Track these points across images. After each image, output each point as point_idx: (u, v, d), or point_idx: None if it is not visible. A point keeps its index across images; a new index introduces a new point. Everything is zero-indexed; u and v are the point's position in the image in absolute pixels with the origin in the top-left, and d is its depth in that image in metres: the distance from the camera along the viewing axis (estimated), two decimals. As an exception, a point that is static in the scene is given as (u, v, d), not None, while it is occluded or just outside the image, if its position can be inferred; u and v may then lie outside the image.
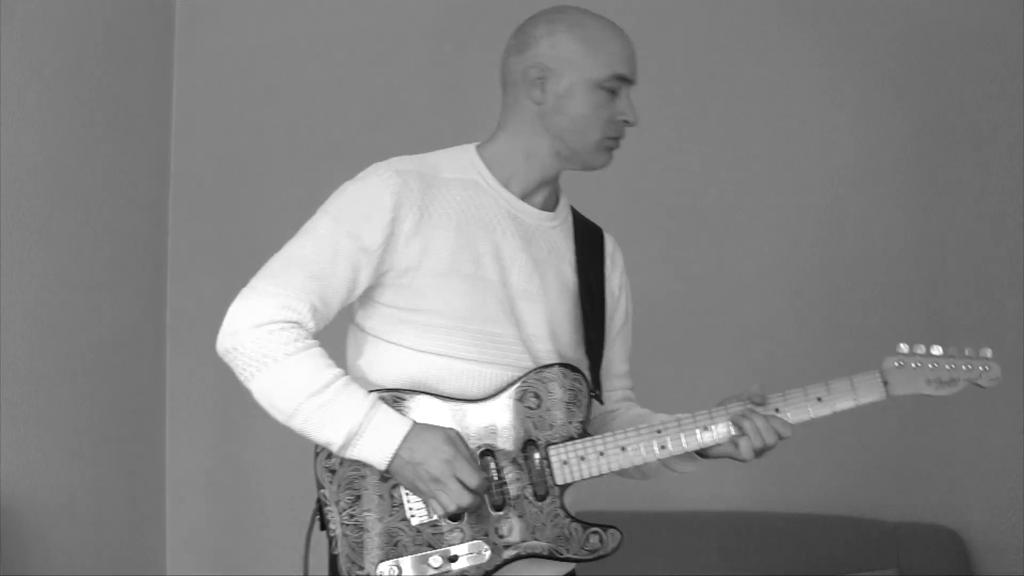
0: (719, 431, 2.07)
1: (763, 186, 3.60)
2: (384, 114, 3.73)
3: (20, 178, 3.24)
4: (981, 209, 3.46)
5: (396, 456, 1.93)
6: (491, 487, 1.99)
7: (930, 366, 2.13)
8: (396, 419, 1.95)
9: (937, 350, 2.14)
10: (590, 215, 3.66)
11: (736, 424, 2.05)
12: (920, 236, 3.50)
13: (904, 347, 2.14)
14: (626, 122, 2.09)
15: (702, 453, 2.11)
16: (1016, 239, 3.42)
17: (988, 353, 2.17)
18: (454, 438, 1.95)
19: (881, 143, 3.54)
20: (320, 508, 2.02)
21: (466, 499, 1.92)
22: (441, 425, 1.97)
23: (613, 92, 2.07)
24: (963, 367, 2.15)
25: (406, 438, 1.93)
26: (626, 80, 2.08)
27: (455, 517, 1.98)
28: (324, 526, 2.01)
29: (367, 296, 2.05)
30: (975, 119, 3.47)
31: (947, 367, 2.14)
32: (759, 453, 2.06)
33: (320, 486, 2.01)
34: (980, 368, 2.15)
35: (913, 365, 2.13)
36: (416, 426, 1.95)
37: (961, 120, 3.49)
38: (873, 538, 3.33)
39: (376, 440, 1.93)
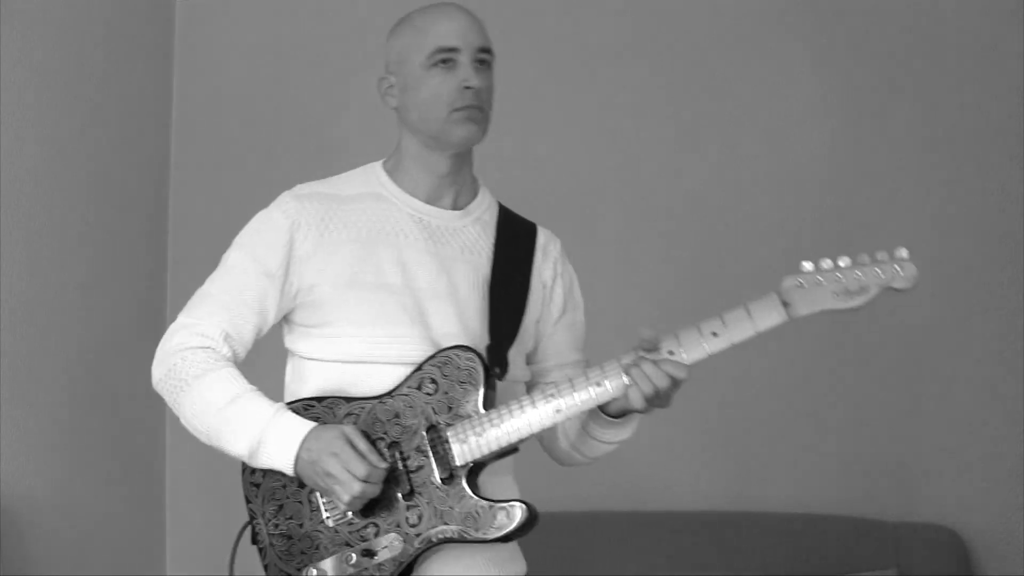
0: (613, 385, 2.00)
1: (762, 186, 3.60)
2: (384, 114, 3.72)
3: (20, 178, 3.24)
4: (981, 209, 3.46)
5: (298, 458, 1.99)
6: (398, 475, 2.00)
7: (836, 277, 1.94)
8: (296, 424, 2.01)
9: (845, 261, 1.94)
10: (588, 216, 3.69)
11: (627, 373, 1.99)
12: (919, 235, 3.50)
13: (808, 265, 1.96)
14: (468, 87, 2.07)
15: (612, 414, 2.06)
16: (1016, 239, 3.42)
17: (903, 253, 1.94)
18: (349, 433, 1.98)
19: (881, 143, 3.54)
20: (251, 522, 2.09)
21: (356, 487, 1.94)
22: (340, 425, 2.02)
23: (447, 65, 2.08)
24: (875, 271, 1.93)
25: (304, 439, 1.99)
26: (452, 50, 2.08)
27: (367, 511, 2.00)
28: (255, 540, 2.09)
29: (288, 319, 2.15)
30: (975, 119, 3.47)
31: (856, 274, 1.93)
32: (653, 401, 1.98)
33: (248, 501, 2.09)
34: (894, 268, 1.93)
35: (817, 280, 1.95)
36: (315, 428, 2.00)
37: (961, 120, 3.48)
38: (873, 538, 3.33)
39: (279, 446, 2.00)
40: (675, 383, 1.98)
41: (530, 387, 2.23)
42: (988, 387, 3.43)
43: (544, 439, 2.22)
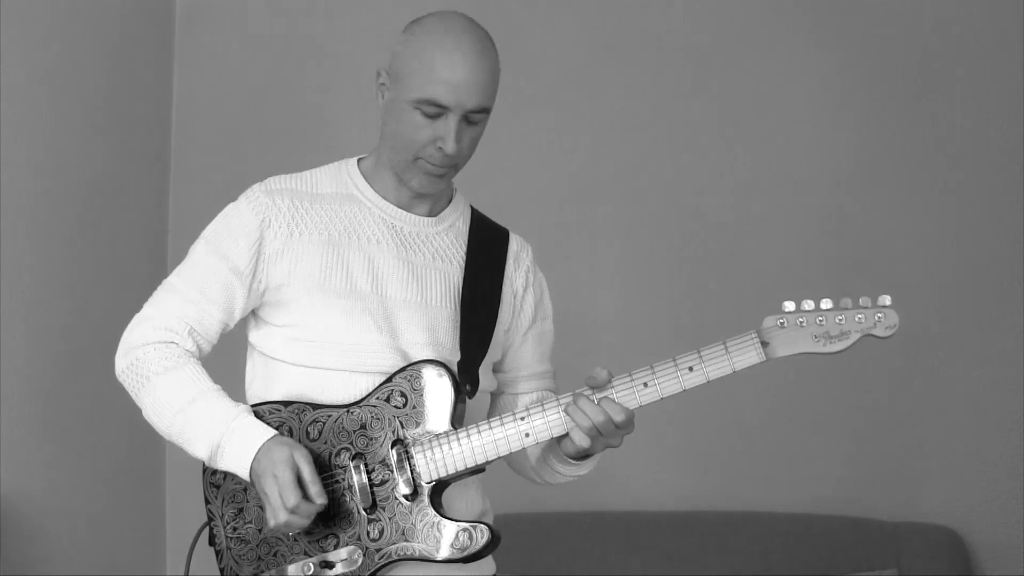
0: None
1: (762, 187, 3.60)
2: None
3: (20, 178, 3.25)
4: (981, 209, 3.46)
5: (251, 468, 1.96)
6: (362, 487, 1.97)
7: (817, 321, 1.94)
8: (255, 431, 1.97)
9: (827, 303, 1.95)
10: (588, 216, 3.68)
11: (565, 411, 1.98)
12: (920, 236, 3.50)
13: (790, 304, 1.96)
14: (440, 149, 1.99)
15: (568, 453, 2.03)
16: (1016, 239, 3.42)
17: (886, 300, 1.95)
18: (298, 459, 1.94)
19: (881, 143, 3.54)
20: (209, 524, 2.06)
21: (281, 517, 1.91)
22: (295, 445, 1.97)
23: (433, 116, 1.98)
24: (856, 317, 1.94)
25: (259, 451, 1.95)
26: (441, 107, 1.97)
27: (328, 522, 1.98)
28: (212, 541, 2.06)
29: (254, 313, 2.10)
30: (975, 120, 3.47)
31: (837, 320, 1.94)
32: (597, 439, 1.96)
33: (207, 501, 2.06)
34: (876, 316, 1.94)
35: (798, 322, 1.95)
36: (270, 440, 1.96)
37: (961, 120, 3.48)
38: (873, 538, 3.33)
39: (237, 451, 1.97)
40: (614, 424, 1.96)
41: (495, 397, 2.19)
42: (988, 387, 3.43)
43: (511, 455, 2.17)
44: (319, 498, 1.94)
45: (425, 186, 2.05)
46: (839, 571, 3.28)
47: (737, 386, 3.53)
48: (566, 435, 2.00)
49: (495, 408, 2.19)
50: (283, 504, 1.91)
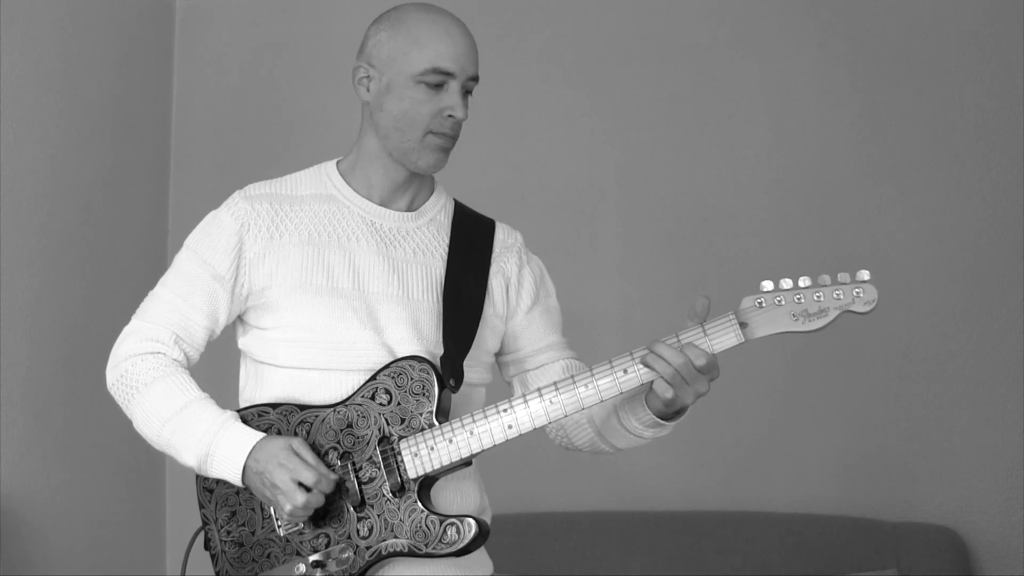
0: (568, 400, 1.98)
1: (762, 186, 3.60)
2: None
3: (20, 178, 3.25)
4: (981, 209, 3.46)
5: (245, 468, 1.98)
6: (350, 486, 1.99)
7: (795, 299, 1.92)
8: (244, 435, 2.00)
9: (805, 281, 1.92)
10: (586, 215, 3.69)
11: (643, 363, 1.96)
12: (920, 236, 3.50)
13: (768, 284, 1.94)
14: (451, 116, 2.04)
15: (658, 414, 2.01)
16: (1016, 239, 3.42)
17: (864, 275, 1.92)
18: (296, 445, 1.97)
19: (881, 143, 3.54)
20: (203, 528, 2.08)
21: (299, 498, 1.93)
22: (288, 437, 1.99)
23: (437, 87, 2.03)
24: (834, 294, 1.91)
25: (252, 450, 1.97)
26: (447, 74, 2.02)
27: (318, 522, 2.00)
28: (207, 546, 2.08)
29: (241, 319, 2.13)
30: (975, 119, 3.47)
31: (815, 297, 1.91)
32: (681, 388, 1.94)
33: (201, 506, 2.08)
34: (854, 292, 1.91)
35: (776, 301, 1.93)
36: (263, 439, 1.99)
37: (961, 120, 3.49)
38: (873, 538, 3.33)
39: (226, 457, 1.99)
40: (695, 368, 1.93)
41: (521, 375, 2.19)
42: (988, 387, 3.43)
43: (565, 425, 2.16)
44: (331, 474, 1.96)
45: (433, 164, 2.07)
46: (839, 571, 3.28)
47: (737, 386, 3.55)
48: (651, 392, 1.98)
49: (525, 388, 2.18)
50: (297, 486, 1.92)
